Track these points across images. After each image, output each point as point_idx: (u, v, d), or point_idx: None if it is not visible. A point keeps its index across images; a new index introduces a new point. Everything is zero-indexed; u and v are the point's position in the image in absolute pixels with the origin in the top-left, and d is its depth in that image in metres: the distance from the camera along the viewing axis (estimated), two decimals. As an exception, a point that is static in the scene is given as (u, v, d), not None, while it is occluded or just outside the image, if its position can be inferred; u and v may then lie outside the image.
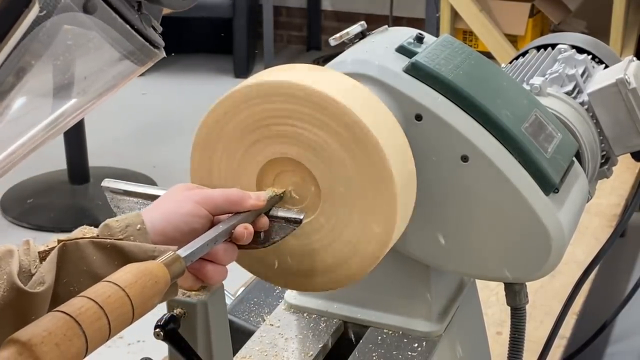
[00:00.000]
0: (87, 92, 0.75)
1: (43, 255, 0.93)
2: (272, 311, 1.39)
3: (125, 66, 0.74)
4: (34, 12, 0.62)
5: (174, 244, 0.95)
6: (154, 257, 0.89)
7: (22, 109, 0.69)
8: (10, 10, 0.62)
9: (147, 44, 0.72)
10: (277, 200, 1.06)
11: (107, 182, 1.13)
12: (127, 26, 0.70)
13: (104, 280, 0.80)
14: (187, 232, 0.97)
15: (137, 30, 0.71)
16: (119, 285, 0.79)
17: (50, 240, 0.96)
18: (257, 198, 1.02)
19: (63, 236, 0.94)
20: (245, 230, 0.98)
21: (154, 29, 0.74)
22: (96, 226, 0.98)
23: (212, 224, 1.00)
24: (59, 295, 0.89)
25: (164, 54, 0.75)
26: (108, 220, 0.95)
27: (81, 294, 0.77)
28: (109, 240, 0.92)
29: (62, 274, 0.91)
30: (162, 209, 0.98)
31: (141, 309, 0.80)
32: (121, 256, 0.91)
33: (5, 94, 0.66)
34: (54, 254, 0.91)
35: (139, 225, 0.94)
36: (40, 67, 0.68)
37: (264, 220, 1.03)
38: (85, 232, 0.95)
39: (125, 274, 0.81)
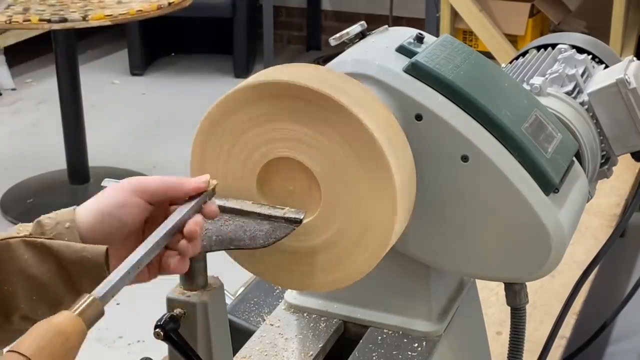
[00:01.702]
0: None
1: None
2: (272, 311, 1.39)
3: None
4: None
5: (108, 238, 0.93)
6: (82, 257, 0.88)
7: None
8: None
9: None
10: (211, 195, 0.99)
11: (107, 182, 1.13)
12: None
13: (9, 350, 0.76)
14: (120, 226, 0.94)
15: None
16: (27, 357, 0.75)
17: None
18: (198, 180, 0.97)
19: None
20: (196, 226, 0.94)
21: None
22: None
23: (155, 214, 0.96)
24: None
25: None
26: (41, 217, 0.94)
27: None
28: (39, 240, 0.91)
29: None
30: (96, 202, 0.96)
31: None
32: (51, 256, 0.90)
33: None
34: None
35: (67, 224, 0.93)
36: None
37: (213, 208, 0.98)
38: (20, 230, 0.94)
39: (34, 341, 0.76)
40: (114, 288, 0.85)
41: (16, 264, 0.90)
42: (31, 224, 0.95)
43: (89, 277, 0.91)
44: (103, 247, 0.90)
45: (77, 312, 0.80)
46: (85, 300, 0.82)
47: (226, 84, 3.81)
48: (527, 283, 1.28)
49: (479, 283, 1.50)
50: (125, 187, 0.96)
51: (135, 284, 0.95)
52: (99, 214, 0.95)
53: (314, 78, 1.04)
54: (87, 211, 0.95)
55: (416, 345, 1.28)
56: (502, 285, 1.29)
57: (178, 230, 0.95)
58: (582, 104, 1.44)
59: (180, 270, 0.97)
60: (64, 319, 0.79)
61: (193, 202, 0.97)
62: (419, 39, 1.23)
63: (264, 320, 1.41)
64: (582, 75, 1.49)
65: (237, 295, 1.68)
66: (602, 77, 1.46)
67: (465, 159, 1.14)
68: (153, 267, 0.97)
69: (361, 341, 1.29)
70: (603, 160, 1.47)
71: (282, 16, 5.37)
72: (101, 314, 0.83)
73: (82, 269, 0.91)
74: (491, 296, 1.92)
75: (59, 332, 0.78)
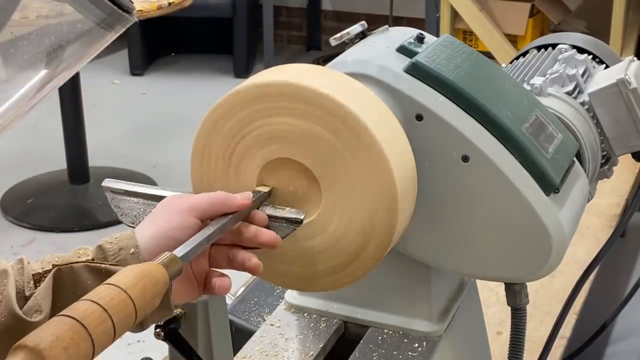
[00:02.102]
0: (59, 62, 0.73)
1: (37, 278, 0.93)
2: (272, 311, 1.39)
3: (96, 33, 0.71)
4: None
5: None
6: None
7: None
8: None
9: (117, 8, 0.70)
10: (265, 197, 1.05)
11: (108, 182, 1.13)
12: None
13: (105, 282, 0.80)
14: (178, 245, 0.95)
15: None
16: (120, 288, 0.79)
17: (46, 258, 0.95)
18: (243, 197, 1.01)
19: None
20: (256, 264, 0.99)
21: None
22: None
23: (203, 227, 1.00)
24: None
25: (135, 19, 0.73)
26: (102, 242, 0.95)
27: (84, 297, 0.78)
28: (103, 266, 0.92)
29: (57, 298, 0.91)
30: (153, 226, 0.97)
31: (143, 311, 0.81)
32: None
33: None
34: (49, 279, 0.91)
35: (132, 250, 0.94)
36: (5, 39, 0.66)
37: (260, 216, 1.03)
38: (80, 253, 0.95)
39: (126, 277, 0.81)
40: (189, 253, 0.90)
41: (80, 288, 0.91)
42: (90, 247, 0.95)
43: None
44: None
45: (161, 263, 0.85)
46: (166, 255, 0.86)
47: (226, 84, 3.81)
48: (527, 283, 1.28)
49: (479, 283, 1.50)
50: (180, 209, 0.98)
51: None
52: (158, 237, 0.96)
53: (314, 78, 1.04)
54: (146, 235, 0.96)
55: (416, 345, 1.28)
56: (503, 286, 1.29)
57: (242, 217, 1.00)
58: (582, 104, 1.44)
59: (223, 288, 0.99)
60: (152, 265, 0.84)
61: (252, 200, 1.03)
62: (420, 39, 1.23)
63: (264, 320, 1.41)
64: (582, 75, 1.49)
65: (237, 295, 1.68)
66: (602, 77, 1.46)
67: (465, 159, 1.14)
68: (199, 285, 0.99)
69: (361, 341, 1.29)
70: (603, 161, 1.47)
71: (282, 16, 5.36)
72: (179, 272, 0.87)
73: None
74: (491, 296, 1.92)
75: (151, 275, 0.82)
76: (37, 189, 3.58)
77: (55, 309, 0.90)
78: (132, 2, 0.72)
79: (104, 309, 0.76)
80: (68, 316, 0.74)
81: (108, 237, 0.96)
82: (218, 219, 0.98)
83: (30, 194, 3.52)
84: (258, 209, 1.04)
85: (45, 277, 0.92)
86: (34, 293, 0.92)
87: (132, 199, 1.12)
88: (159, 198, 1.08)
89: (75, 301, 0.83)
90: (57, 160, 3.61)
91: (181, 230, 0.96)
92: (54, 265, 0.92)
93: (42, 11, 0.71)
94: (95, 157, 3.64)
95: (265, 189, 1.06)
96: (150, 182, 3.52)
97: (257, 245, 1.00)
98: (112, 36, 0.73)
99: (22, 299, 0.91)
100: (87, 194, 3.52)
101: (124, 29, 0.73)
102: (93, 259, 0.93)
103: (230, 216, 0.99)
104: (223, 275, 0.99)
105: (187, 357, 1.04)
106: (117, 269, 0.89)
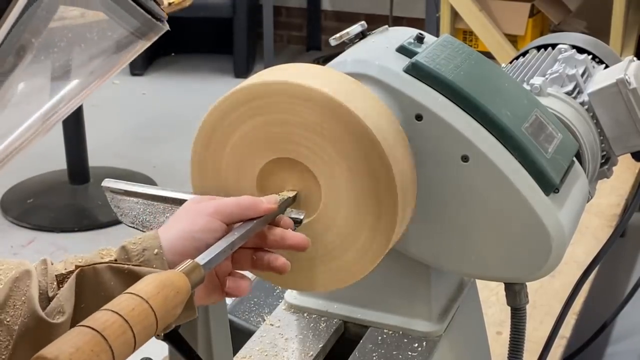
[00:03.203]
0: (92, 70, 0.73)
1: (60, 279, 0.93)
2: (272, 311, 1.39)
3: (129, 42, 0.71)
4: None
5: None
6: None
7: (27, 90, 0.68)
8: None
9: (151, 17, 0.70)
10: (290, 202, 1.05)
11: (108, 182, 1.13)
12: (130, 0, 0.68)
13: (126, 292, 0.79)
14: (203, 247, 0.96)
15: (139, 4, 0.69)
16: (142, 297, 0.77)
17: (69, 258, 0.95)
18: (269, 202, 1.01)
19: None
20: (284, 263, 0.98)
21: (156, 2, 0.72)
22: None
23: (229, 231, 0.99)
24: (77, 321, 0.89)
25: (167, 27, 0.74)
26: (125, 243, 0.95)
27: (105, 307, 0.76)
28: (126, 266, 0.91)
29: (80, 299, 0.90)
30: (177, 227, 0.97)
31: (164, 321, 0.79)
32: None
33: (7, 74, 0.64)
34: (72, 280, 0.91)
35: (156, 250, 0.93)
36: (42, 47, 0.66)
37: (286, 221, 1.02)
38: (103, 254, 0.94)
39: (147, 285, 0.79)
40: (212, 261, 0.89)
41: (103, 289, 0.90)
42: (114, 248, 0.95)
43: None
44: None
45: (183, 271, 0.83)
46: (188, 263, 0.85)
47: (226, 84, 3.80)
48: (527, 283, 1.28)
49: (479, 283, 1.50)
50: (205, 211, 0.98)
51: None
52: (183, 239, 0.95)
53: (314, 78, 1.04)
54: (170, 235, 0.96)
55: (416, 345, 1.28)
56: (502, 285, 1.29)
57: (267, 222, 1.00)
58: (582, 104, 1.44)
59: (244, 290, 0.99)
60: (173, 274, 0.82)
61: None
62: (419, 39, 1.23)
63: (264, 320, 1.41)
64: (582, 75, 1.49)
65: (237, 295, 1.68)
66: (602, 77, 1.46)
67: (465, 159, 1.14)
68: (222, 287, 0.99)
69: (361, 341, 1.29)
70: (603, 160, 1.47)
71: (282, 16, 5.36)
72: (202, 279, 0.86)
73: None
74: (491, 296, 1.92)
75: (172, 284, 0.81)
76: (37, 189, 3.58)
77: (78, 310, 0.90)
78: (164, 11, 0.72)
79: (124, 319, 0.75)
80: (88, 327, 0.73)
81: (131, 238, 0.95)
82: (243, 224, 0.98)
83: (30, 194, 3.52)
84: None
85: (68, 277, 0.92)
86: (57, 294, 0.91)
87: (132, 199, 1.12)
88: (158, 198, 1.08)
89: (98, 302, 0.81)
90: (57, 160, 3.61)
91: (206, 232, 0.96)
92: (76, 266, 0.92)
93: (78, 20, 0.71)
94: (95, 157, 3.64)
95: (290, 194, 1.05)
96: (150, 182, 3.52)
97: (285, 247, 1.00)
98: (145, 45, 0.73)
99: (46, 299, 0.91)
100: (87, 194, 3.52)
101: (156, 37, 0.73)
102: (116, 260, 0.93)
103: (255, 221, 0.98)
104: (244, 277, 0.99)
105: (187, 357, 1.04)
106: (140, 270, 0.89)
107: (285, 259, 0.98)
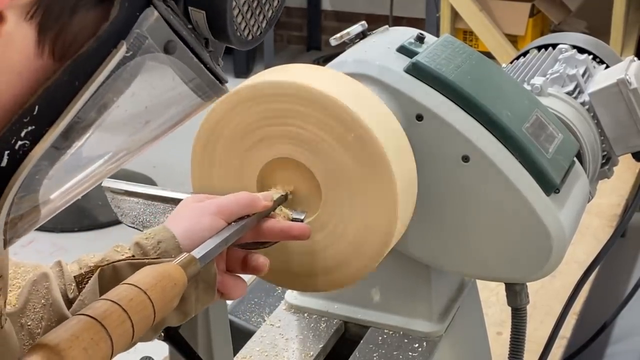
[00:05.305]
0: (157, 127, 0.76)
1: (79, 280, 0.94)
2: (272, 311, 1.39)
3: (193, 101, 0.75)
4: (121, 53, 0.65)
5: None
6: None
7: (96, 141, 0.70)
8: (99, 50, 0.64)
9: (216, 80, 0.73)
10: (283, 200, 1.05)
11: (108, 182, 1.13)
12: (201, 64, 0.71)
13: (124, 282, 0.80)
14: None
15: (208, 68, 0.72)
16: (140, 288, 0.79)
17: (81, 257, 0.96)
18: (265, 198, 1.02)
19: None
20: (265, 261, 0.99)
21: (219, 65, 0.76)
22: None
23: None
24: None
25: (228, 90, 0.77)
26: (137, 238, 0.96)
27: (104, 296, 0.77)
28: (146, 261, 0.92)
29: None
30: (182, 226, 0.98)
31: (162, 312, 0.80)
32: None
33: (86, 129, 0.67)
34: (94, 281, 0.92)
35: (173, 241, 0.95)
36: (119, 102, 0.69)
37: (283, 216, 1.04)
38: (118, 250, 0.95)
39: (145, 277, 0.80)
40: (208, 255, 0.90)
41: None
42: (127, 245, 0.96)
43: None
44: (213, 266, 0.93)
45: (180, 264, 0.84)
46: (184, 256, 0.86)
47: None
48: (527, 283, 1.28)
49: (479, 283, 1.50)
50: (209, 211, 0.99)
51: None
52: (189, 238, 0.96)
53: (315, 79, 1.04)
54: (180, 230, 0.97)
55: (417, 345, 1.28)
56: (503, 286, 1.29)
57: (260, 218, 1.00)
58: (582, 104, 1.44)
59: (241, 290, 1.00)
60: (170, 266, 0.84)
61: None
62: (420, 39, 1.23)
63: (265, 320, 1.41)
64: (582, 75, 1.49)
65: (237, 295, 1.68)
66: (602, 77, 1.46)
67: (466, 159, 1.14)
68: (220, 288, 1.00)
69: (362, 341, 1.29)
70: (604, 161, 1.47)
71: (282, 16, 5.34)
72: (197, 273, 0.87)
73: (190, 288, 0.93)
74: (492, 296, 1.92)
75: (170, 276, 0.82)
76: (37, 189, 3.57)
77: None
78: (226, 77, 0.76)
79: (123, 309, 0.76)
80: (88, 316, 0.74)
81: (141, 234, 0.97)
82: (236, 222, 0.99)
83: (30, 194, 3.52)
84: None
85: (87, 277, 0.93)
86: (77, 295, 0.93)
87: (132, 199, 1.12)
88: (158, 198, 1.08)
89: None
90: (57, 160, 3.61)
91: (211, 232, 0.97)
92: (96, 267, 0.92)
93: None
94: (95, 157, 3.63)
95: (282, 192, 1.06)
96: (150, 182, 3.51)
97: (289, 238, 1.01)
98: (206, 105, 0.76)
99: (66, 301, 0.92)
100: (87, 194, 3.50)
101: (217, 99, 0.77)
102: (133, 256, 0.94)
103: (249, 218, 0.99)
104: (238, 278, 1.00)
105: (188, 357, 1.04)
106: (160, 262, 0.90)
107: (265, 258, 0.99)
